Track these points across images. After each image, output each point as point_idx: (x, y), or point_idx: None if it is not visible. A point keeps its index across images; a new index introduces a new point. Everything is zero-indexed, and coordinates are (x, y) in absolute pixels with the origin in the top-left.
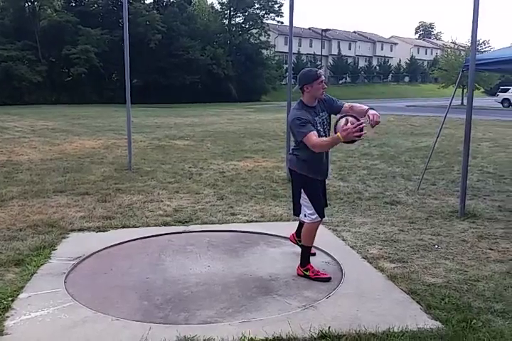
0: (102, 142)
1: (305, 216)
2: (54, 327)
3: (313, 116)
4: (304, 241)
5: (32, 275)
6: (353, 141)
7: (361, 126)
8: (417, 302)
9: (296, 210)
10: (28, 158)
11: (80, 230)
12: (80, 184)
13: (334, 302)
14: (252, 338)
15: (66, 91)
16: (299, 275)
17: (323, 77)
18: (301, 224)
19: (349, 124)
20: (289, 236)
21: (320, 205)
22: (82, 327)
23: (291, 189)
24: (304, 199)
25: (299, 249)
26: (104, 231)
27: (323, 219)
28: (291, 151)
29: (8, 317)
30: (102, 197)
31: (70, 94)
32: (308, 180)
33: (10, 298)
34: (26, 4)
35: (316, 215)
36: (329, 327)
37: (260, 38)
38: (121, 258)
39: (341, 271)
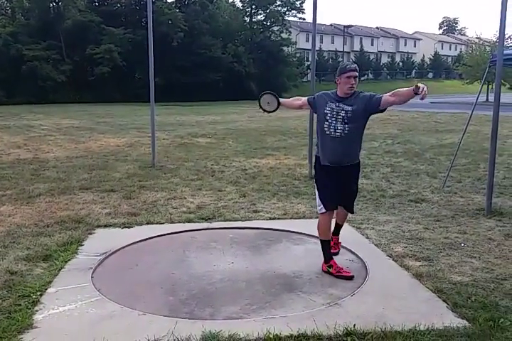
0: (125, 140)
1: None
2: (82, 321)
3: (330, 102)
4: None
5: (59, 270)
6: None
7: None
8: (443, 300)
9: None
10: (54, 156)
11: (106, 226)
12: (105, 181)
13: (359, 300)
14: (276, 334)
15: (90, 90)
16: (323, 271)
17: (353, 72)
18: (336, 223)
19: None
20: (316, 235)
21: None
22: (110, 322)
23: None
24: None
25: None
26: (129, 227)
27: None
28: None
29: (37, 311)
30: (126, 194)
31: (93, 93)
32: None
33: (38, 293)
34: (51, 5)
35: (322, 206)
36: (354, 325)
37: (281, 35)
38: (146, 254)
39: (366, 268)
